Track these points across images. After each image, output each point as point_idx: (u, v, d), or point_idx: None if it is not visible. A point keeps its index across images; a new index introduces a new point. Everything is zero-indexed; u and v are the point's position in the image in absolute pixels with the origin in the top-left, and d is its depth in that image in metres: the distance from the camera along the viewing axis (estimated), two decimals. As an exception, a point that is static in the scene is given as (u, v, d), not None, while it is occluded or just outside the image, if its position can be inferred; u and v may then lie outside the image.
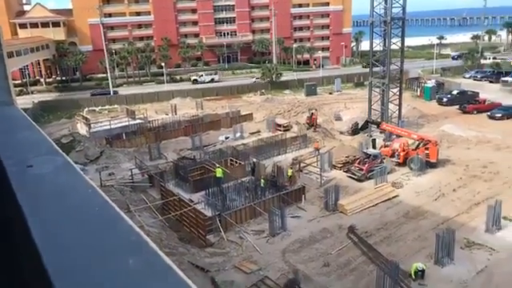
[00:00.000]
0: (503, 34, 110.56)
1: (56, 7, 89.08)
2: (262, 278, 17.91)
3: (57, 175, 1.38)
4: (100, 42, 69.79)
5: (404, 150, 30.65)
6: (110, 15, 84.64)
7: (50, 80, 77.54)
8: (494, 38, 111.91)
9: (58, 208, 1.14)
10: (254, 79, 69.42)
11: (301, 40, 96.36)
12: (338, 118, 45.27)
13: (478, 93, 49.51)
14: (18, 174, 1.35)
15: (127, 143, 38.57)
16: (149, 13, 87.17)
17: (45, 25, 79.33)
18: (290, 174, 28.79)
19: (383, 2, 37.23)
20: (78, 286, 0.86)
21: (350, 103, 50.37)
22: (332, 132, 40.89)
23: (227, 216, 22.57)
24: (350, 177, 29.05)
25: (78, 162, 31.28)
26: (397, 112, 39.64)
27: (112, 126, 41.83)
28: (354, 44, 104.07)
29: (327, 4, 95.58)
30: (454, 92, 50.45)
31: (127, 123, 42.78)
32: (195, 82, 70.57)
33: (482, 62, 76.24)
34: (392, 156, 30.91)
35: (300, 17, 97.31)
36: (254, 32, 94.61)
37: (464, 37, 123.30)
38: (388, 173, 28.49)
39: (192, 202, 24.58)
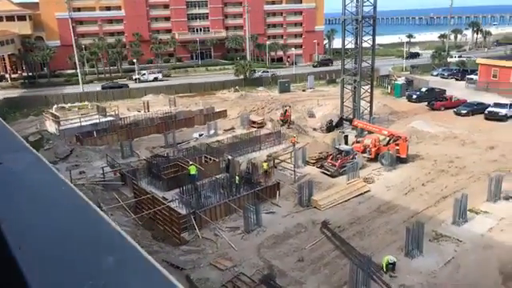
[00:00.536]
0: (468, 33, 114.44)
1: (22, 0, 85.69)
2: (237, 274, 17.95)
3: (29, 172, 1.35)
4: (69, 36, 67.76)
5: (375, 146, 31.34)
6: (78, 9, 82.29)
7: (16, 76, 74.74)
8: (459, 37, 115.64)
9: (31, 206, 1.11)
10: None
11: (274, 37, 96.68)
12: (312, 115, 45.77)
13: (445, 90, 51.14)
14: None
15: (98, 141, 37.71)
16: (119, 8, 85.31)
17: (10, 18, 76.38)
18: (265, 167, 29.10)
19: (355, 1, 37.85)
20: (55, 286, 0.84)
21: (323, 100, 50.99)
22: (305, 129, 41.31)
23: (202, 213, 22.47)
24: (323, 173, 29.47)
25: (48, 160, 30.27)
26: (368, 109, 40.47)
27: (82, 124, 40.78)
28: (326, 42, 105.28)
29: (300, 1, 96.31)
30: (423, 89, 51.89)
31: (98, 120, 41.80)
32: (138, 80, 67.92)
33: (449, 60, 78.69)
34: (364, 152, 31.54)
35: (273, 14, 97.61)
36: (227, 28, 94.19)
37: (432, 36, 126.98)
38: (360, 168, 29.06)
39: (166, 200, 24.32)
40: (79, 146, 36.71)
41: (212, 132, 39.64)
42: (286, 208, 24.54)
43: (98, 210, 1.11)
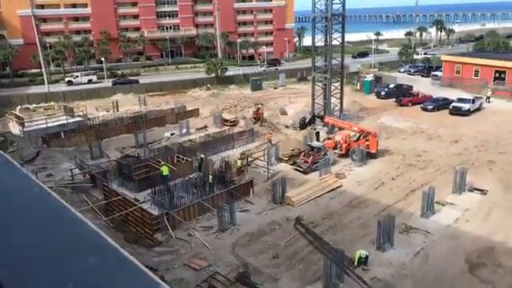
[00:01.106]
0: (433, 31, 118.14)
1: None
2: (212, 273, 17.89)
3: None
4: (32, 35, 65.30)
5: (346, 142, 31.91)
6: (42, 6, 79.55)
7: (-24, 76, 71.52)
8: (424, 34, 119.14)
9: (4, 209, 1.08)
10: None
11: (245, 35, 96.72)
12: (284, 113, 46.09)
13: (412, 86, 52.61)
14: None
15: (66, 142, 36.60)
16: (85, 5, 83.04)
17: (-32, 16, 73.00)
18: (239, 164, 29.14)
19: (324, -1, 38.31)
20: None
21: (295, 97, 51.46)
22: (278, 126, 41.56)
23: (175, 214, 22.24)
24: (295, 169, 29.76)
25: (12, 163, 29.17)
26: (339, 105, 41.13)
27: (49, 125, 39.43)
28: (296, 39, 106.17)
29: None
30: (391, 86, 53.19)
31: (65, 121, 40.56)
32: (70, 83, 64.67)
33: (415, 57, 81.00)
34: (335, 148, 32.06)
35: (243, 11, 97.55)
36: (197, 26, 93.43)
37: (398, 33, 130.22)
38: (332, 164, 29.53)
39: (137, 201, 23.93)
40: (46, 147, 35.53)
41: (184, 131, 39.25)
42: (259, 206, 24.64)
43: (74, 211, 1.09)
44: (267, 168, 29.17)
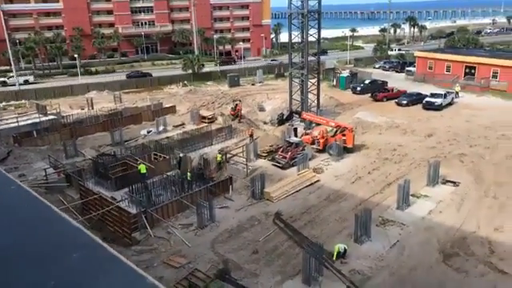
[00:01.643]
0: (406, 27, 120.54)
1: None
2: (191, 270, 17.83)
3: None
4: (0, 31, 63.15)
5: (323, 137, 32.27)
6: (11, 1, 77.02)
7: None
8: (398, 31, 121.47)
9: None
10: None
11: (221, 31, 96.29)
12: (262, 109, 46.18)
13: (386, 82, 53.64)
14: None
15: (39, 141, 35.62)
16: (57, 0, 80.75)
17: None
18: (218, 159, 29.16)
19: (300, -5, 38.49)
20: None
21: (272, 94, 51.61)
22: (256, 122, 41.63)
23: (153, 212, 22.03)
24: (274, 165, 29.91)
25: (-19, 164, 28.24)
26: (316, 101, 41.52)
27: (20, 124, 38.28)
28: (273, 36, 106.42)
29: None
30: (366, 81, 54.04)
31: (38, 120, 39.46)
32: (4, 84, 61.26)
33: (389, 53, 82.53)
34: (312, 143, 32.37)
35: (220, 7, 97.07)
36: (173, 22, 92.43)
37: (373, 30, 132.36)
38: (309, 159, 29.83)
39: (115, 199, 23.57)
40: (17, 147, 34.50)
41: (161, 128, 38.82)
42: (239, 202, 24.67)
43: (55, 208, 1.08)
44: (246, 164, 29.21)
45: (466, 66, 54.28)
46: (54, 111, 42.97)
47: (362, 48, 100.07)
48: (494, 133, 35.20)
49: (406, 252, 19.22)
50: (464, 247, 19.36)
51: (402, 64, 67.41)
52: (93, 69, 72.24)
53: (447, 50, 68.19)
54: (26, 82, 62.04)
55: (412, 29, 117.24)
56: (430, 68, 58.16)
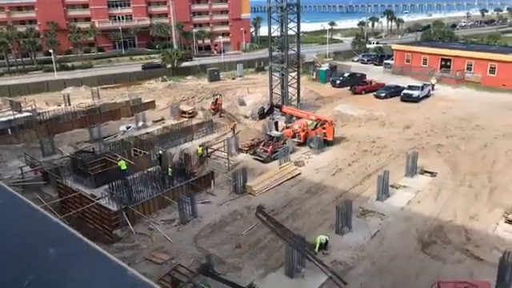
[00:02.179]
0: (384, 21, 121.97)
1: None
2: (174, 266, 17.77)
3: None
4: (-30, 25, 60.99)
5: (304, 131, 32.49)
6: (-20, -5, 74.31)
7: None
8: (376, 24, 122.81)
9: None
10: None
11: (200, 25, 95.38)
12: (242, 103, 46.10)
13: (365, 75, 54.24)
14: None
15: (14, 139, 34.68)
16: (29, -7, 78.42)
17: None
18: (200, 152, 29.15)
19: (279, -11, 38.45)
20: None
21: (253, 88, 51.55)
22: (237, 117, 41.56)
23: (134, 208, 21.81)
24: (256, 159, 29.96)
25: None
26: (296, 95, 41.70)
27: (-7, 121, 37.15)
28: (253, 30, 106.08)
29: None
30: (346, 74, 54.51)
31: (12, 117, 38.32)
32: None
33: (368, 46, 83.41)
34: (293, 137, 32.56)
35: (198, 1, 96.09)
36: (151, 16, 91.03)
37: (352, 23, 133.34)
38: (291, 153, 30.00)
39: (94, 197, 23.20)
40: (-9, 145, 33.51)
41: (140, 124, 38.32)
42: (221, 196, 24.65)
43: (32, 204, 1.06)
44: (228, 159, 29.17)
45: (442, 59, 55.39)
46: (29, 108, 41.84)
47: (341, 41, 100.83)
48: (469, 124, 36.12)
49: (386, 242, 19.60)
50: (441, 236, 19.87)
51: (380, 57, 68.25)
52: (69, 64, 70.59)
53: (424, 43, 69.37)
54: None
55: (389, 22, 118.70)
56: (408, 61, 59.11)
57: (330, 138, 32.09)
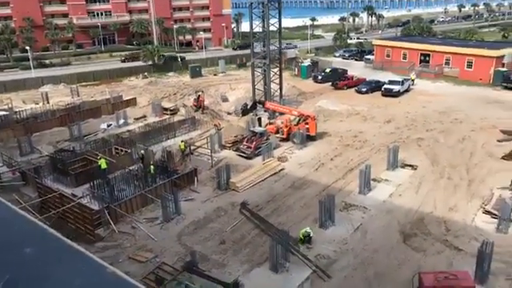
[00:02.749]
0: (364, 16, 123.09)
1: None
2: (158, 264, 17.66)
3: None
4: None
5: (287, 126, 32.60)
6: (-48, -10, 71.83)
7: None
8: (357, 20, 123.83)
9: None
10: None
11: (181, 21, 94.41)
12: (225, 99, 45.93)
13: (346, 70, 54.67)
14: None
15: (-10, 139, 33.80)
16: (3, -11, 76.17)
17: None
18: (182, 147, 29.04)
19: (260, -16, 38.31)
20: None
21: (235, 84, 51.40)
22: (220, 113, 41.40)
23: (116, 207, 21.55)
24: (239, 155, 29.94)
25: None
26: (278, 91, 41.74)
27: (-32, 121, 36.12)
28: (234, 25, 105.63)
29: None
30: (327, 70, 54.83)
31: (-13, 116, 37.35)
32: None
33: (349, 41, 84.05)
34: (277, 132, 32.66)
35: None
36: (130, 12, 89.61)
37: (333, 19, 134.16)
38: (274, 148, 30.08)
39: (75, 196, 22.83)
40: (-33, 145, 32.57)
41: (121, 122, 37.80)
42: (205, 193, 24.56)
43: (8, 203, 1.03)
44: (211, 155, 29.06)
45: (421, 54, 56.27)
46: (6, 107, 40.81)
47: (323, 37, 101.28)
48: (448, 117, 36.85)
49: (369, 235, 19.89)
50: (422, 227, 20.27)
51: (361, 52, 68.85)
52: (47, 61, 68.96)
53: (403, 38, 70.32)
54: None
55: (370, 18, 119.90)
56: (388, 56, 59.84)
57: (312, 133, 32.29)
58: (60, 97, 46.82)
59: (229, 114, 41.05)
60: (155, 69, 62.27)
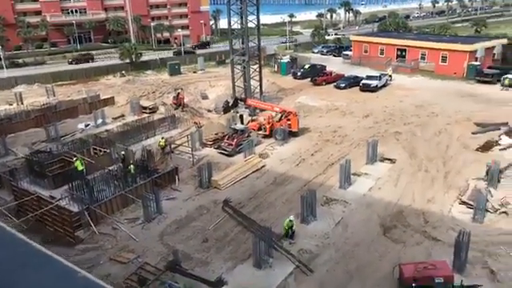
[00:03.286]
0: (342, 12, 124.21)
1: None
2: (141, 265, 17.50)
3: None
4: None
5: (269, 123, 32.69)
6: None
7: None
8: (334, 16, 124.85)
9: None
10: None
11: (159, 18, 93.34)
12: (205, 97, 45.69)
13: (325, 66, 55.11)
14: None
15: (-38, 141, 32.67)
16: (-28, -14, 73.67)
17: None
18: (162, 144, 28.86)
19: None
20: None
21: (215, 81, 51.16)
22: (200, 111, 41.16)
23: (96, 208, 21.21)
24: (220, 153, 29.87)
25: None
26: (258, 88, 41.77)
27: None
28: (212, 22, 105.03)
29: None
30: (306, 66, 55.15)
31: (-42, 118, 36.13)
32: None
33: (327, 37, 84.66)
34: (259, 129, 32.70)
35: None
36: (106, 10, 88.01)
37: (311, 15, 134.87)
38: (255, 145, 30.13)
39: (53, 198, 22.36)
40: None
41: (100, 121, 37.16)
42: (186, 192, 24.43)
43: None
44: (192, 154, 28.89)
45: (398, 49, 57.17)
46: (-22, 108, 39.56)
47: (301, 33, 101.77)
48: (425, 111, 37.63)
49: (350, 228, 20.18)
50: (401, 220, 20.69)
51: (339, 48, 69.46)
52: (20, 60, 67.10)
53: (380, 33, 71.24)
54: None
55: (347, 14, 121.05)
56: (366, 51, 60.56)
57: (295, 129, 32.50)
58: (35, 97, 45.68)
59: (209, 111, 40.85)
60: (133, 67, 61.39)
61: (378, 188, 24.11)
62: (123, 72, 58.84)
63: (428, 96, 42.29)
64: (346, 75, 50.22)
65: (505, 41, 56.39)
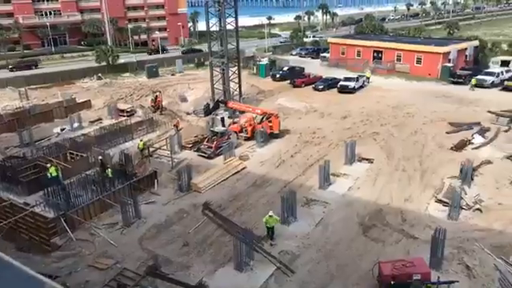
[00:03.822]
0: (319, 14, 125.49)
1: None
2: (120, 270, 17.20)
3: None
4: None
5: (251, 125, 32.69)
6: None
7: None
8: (312, 18, 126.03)
9: None
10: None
11: (136, 20, 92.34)
12: (184, 99, 45.37)
13: (303, 68, 55.56)
14: None
15: None
16: None
17: None
18: (141, 146, 28.63)
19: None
20: None
21: (194, 83, 50.88)
22: (179, 113, 40.83)
23: (73, 214, 20.75)
24: (200, 155, 29.69)
25: None
26: (238, 90, 41.75)
27: None
28: (190, 24, 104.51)
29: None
30: (285, 68, 55.49)
31: None
32: None
33: (305, 40, 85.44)
34: (241, 131, 32.66)
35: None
36: (82, 11, 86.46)
37: (288, 17, 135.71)
38: (235, 147, 30.08)
39: (28, 205, 21.75)
40: None
41: (76, 125, 36.42)
42: (166, 196, 24.16)
43: None
44: (171, 157, 28.62)
45: (374, 51, 58.16)
46: None
47: (279, 36, 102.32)
48: (401, 112, 38.37)
49: (330, 228, 20.36)
50: (380, 219, 21.00)
51: (316, 50, 70.15)
52: (-9, 63, 65.13)
53: (357, 36, 72.37)
54: None
55: (324, 16, 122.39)
56: (343, 53, 61.39)
57: (276, 131, 32.62)
58: (7, 101, 44.46)
59: (188, 114, 40.58)
60: (110, 69, 60.43)
61: (357, 188, 24.42)
62: (100, 75, 57.85)
63: (404, 97, 43.15)
64: (324, 77, 50.72)
65: (476, 42, 58.15)
